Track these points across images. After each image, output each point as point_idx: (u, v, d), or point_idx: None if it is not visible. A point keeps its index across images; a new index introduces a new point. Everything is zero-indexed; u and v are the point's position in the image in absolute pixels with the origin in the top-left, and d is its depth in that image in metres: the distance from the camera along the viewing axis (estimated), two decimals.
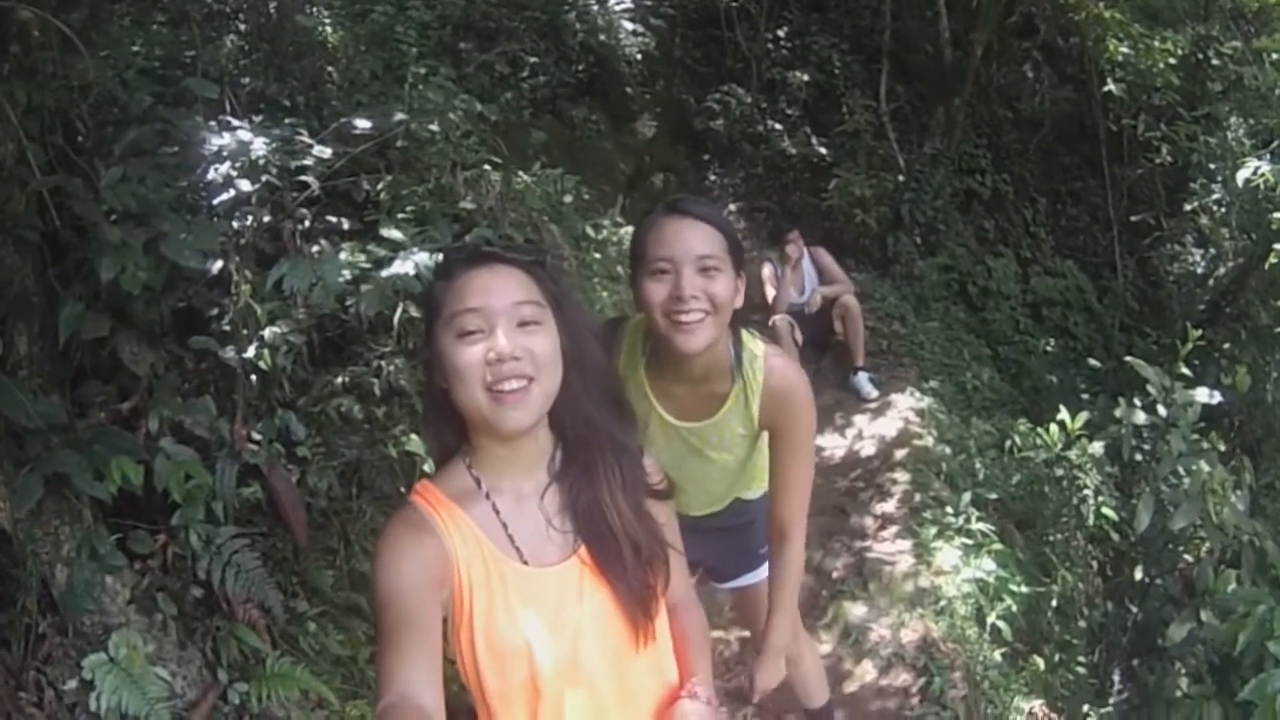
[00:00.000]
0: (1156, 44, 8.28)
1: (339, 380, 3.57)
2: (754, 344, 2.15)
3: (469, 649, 1.48)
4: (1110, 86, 8.58)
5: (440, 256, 3.41)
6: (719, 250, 1.94)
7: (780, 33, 10.11)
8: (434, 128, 4.09)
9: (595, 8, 9.19)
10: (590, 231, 6.61)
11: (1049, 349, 8.42)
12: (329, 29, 6.18)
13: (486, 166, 5.24)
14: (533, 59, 8.38)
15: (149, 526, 2.92)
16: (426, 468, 3.53)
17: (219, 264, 3.34)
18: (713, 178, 9.72)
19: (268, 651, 2.99)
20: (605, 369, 1.65)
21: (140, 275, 2.73)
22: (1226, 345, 7.14)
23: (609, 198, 8.24)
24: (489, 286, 1.47)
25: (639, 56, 9.58)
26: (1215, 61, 8.39)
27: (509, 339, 1.44)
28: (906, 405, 6.49)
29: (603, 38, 9.21)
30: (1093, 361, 7.10)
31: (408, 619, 1.38)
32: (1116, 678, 4.39)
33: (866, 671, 3.95)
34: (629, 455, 1.63)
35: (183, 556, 2.96)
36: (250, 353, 3.26)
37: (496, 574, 1.49)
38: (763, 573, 2.57)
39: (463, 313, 1.46)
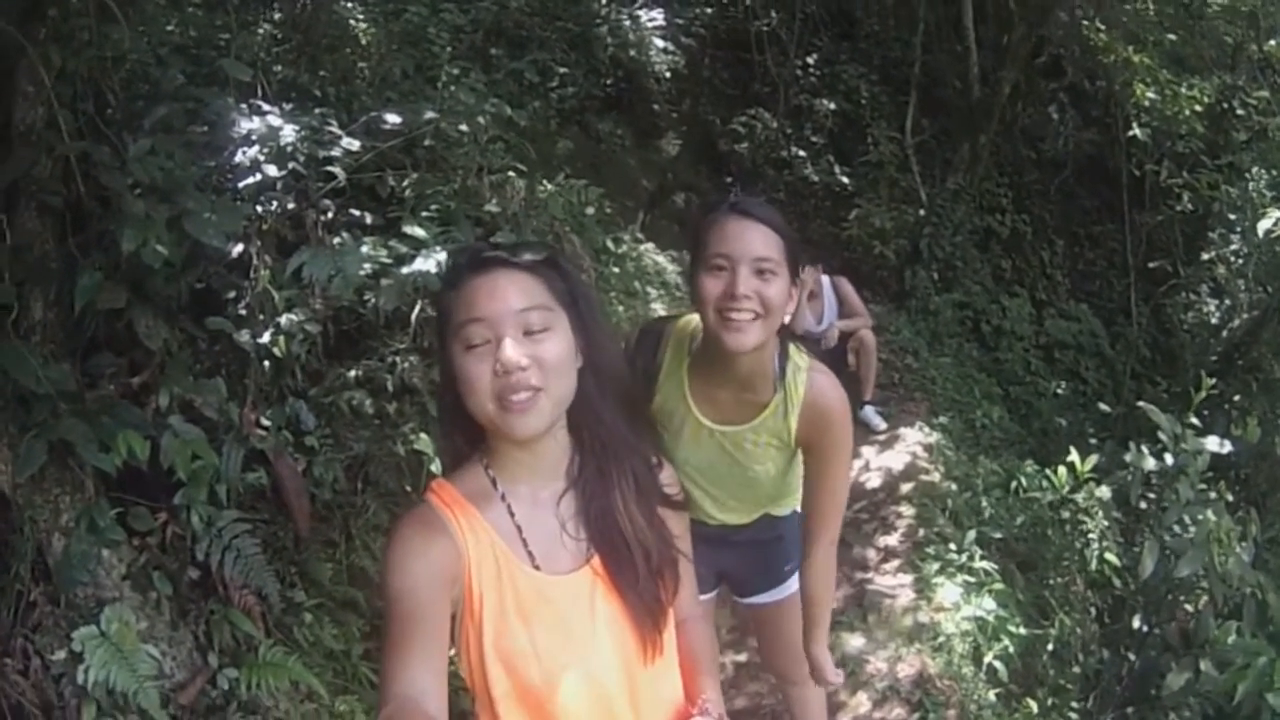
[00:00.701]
0: (1183, 90, 8.28)
1: (352, 373, 3.56)
2: (800, 358, 2.16)
3: (476, 650, 1.46)
4: (1135, 131, 8.59)
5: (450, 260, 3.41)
6: (776, 254, 1.95)
7: (810, 59, 10.16)
8: (463, 128, 4.07)
9: (627, 23, 9.20)
10: (610, 245, 6.59)
11: (1059, 391, 8.39)
12: (362, 25, 6.21)
13: (511, 173, 5.25)
14: (562, 69, 8.40)
15: (150, 504, 2.90)
16: (434, 467, 3.50)
17: (240, 247, 3.34)
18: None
19: (261, 639, 2.96)
20: (622, 370, 1.63)
21: (161, 250, 2.71)
22: (1237, 397, 7.10)
23: (630, 213, 8.24)
24: (492, 294, 1.44)
25: (668, 74, 9.61)
26: (1240, 111, 8.38)
27: (514, 349, 1.40)
28: (915, 439, 6.45)
29: (633, 53, 9.23)
30: (1103, 406, 7.06)
31: (416, 617, 1.37)
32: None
33: (861, 704, 3.91)
34: (643, 461, 1.61)
35: (182, 537, 2.94)
36: (265, 338, 3.25)
37: (508, 577, 1.47)
38: (785, 590, 2.60)
39: (468, 323, 1.43)
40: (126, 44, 3.09)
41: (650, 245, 7.43)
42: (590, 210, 6.48)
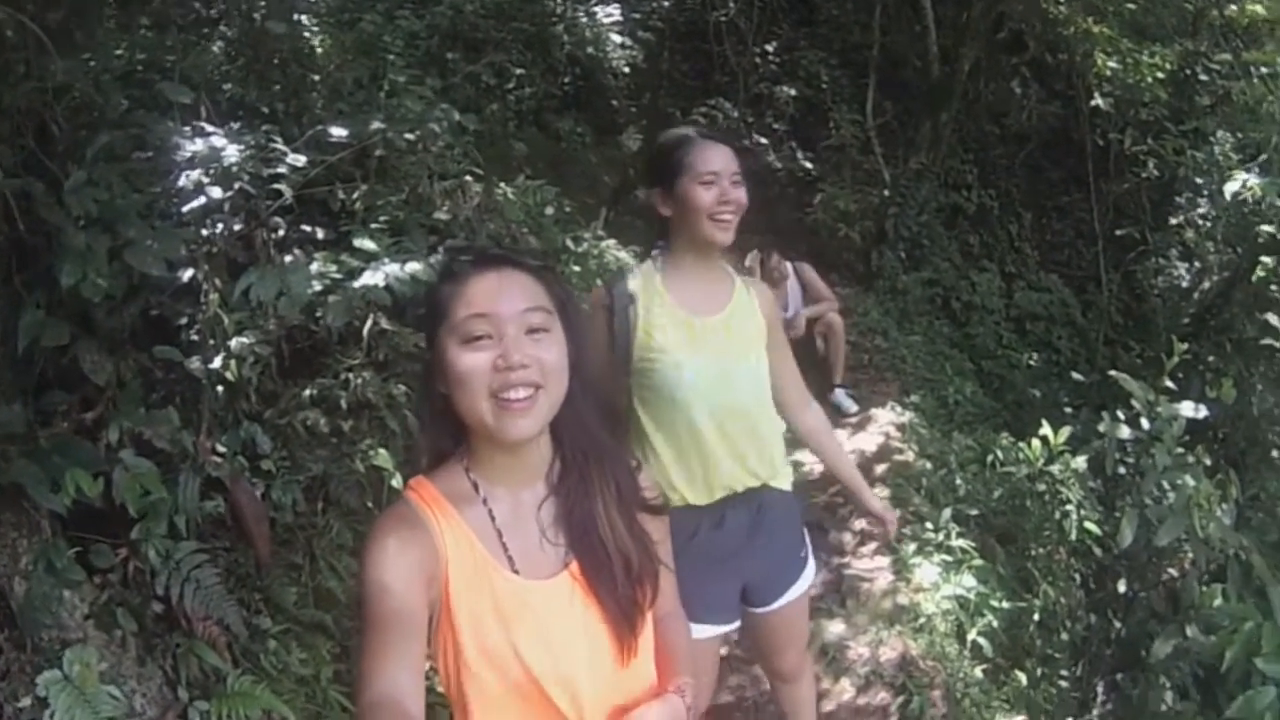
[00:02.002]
0: (1145, 59, 8.28)
1: (307, 393, 3.50)
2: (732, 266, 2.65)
3: (453, 654, 1.45)
4: (1098, 101, 8.59)
5: (428, 260, 3.37)
6: (739, 167, 2.43)
7: (769, 47, 10.13)
8: (410, 137, 4.02)
9: (583, 20, 9.19)
10: (570, 244, 6.57)
11: (1032, 363, 8.40)
12: (316, 37, 6.14)
13: (468, 178, 5.20)
14: (519, 70, 8.36)
15: (110, 540, 2.84)
16: (395, 483, 3.49)
17: (190, 272, 3.29)
18: None
19: (228, 670, 2.91)
20: (605, 379, 1.67)
21: (100, 283, 2.66)
22: (1211, 359, 7.11)
23: (592, 210, 8.21)
24: (498, 291, 1.44)
25: (626, 69, 9.58)
26: (1203, 76, 8.40)
27: (519, 348, 1.41)
28: (887, 420, 6.46)
29: (590, 50, 9.21)
30: (1076, 375, 7.06)
31: (395, 615, 1.35)
32: (1100, 691, 4.35)
33: (844, 690, 3.88)
34: (624, 467, 1.61)
35: (143, 571, 2.88)
36: (217, 363, 3.19)
37: (487, 581, 1.46)
38: (804, 584, 2.70)
39: (470, 318, 1.42)
40: (58, 76, 3.01)
41: (612, 242, 7.40)
42: (549, 210, 6.45)
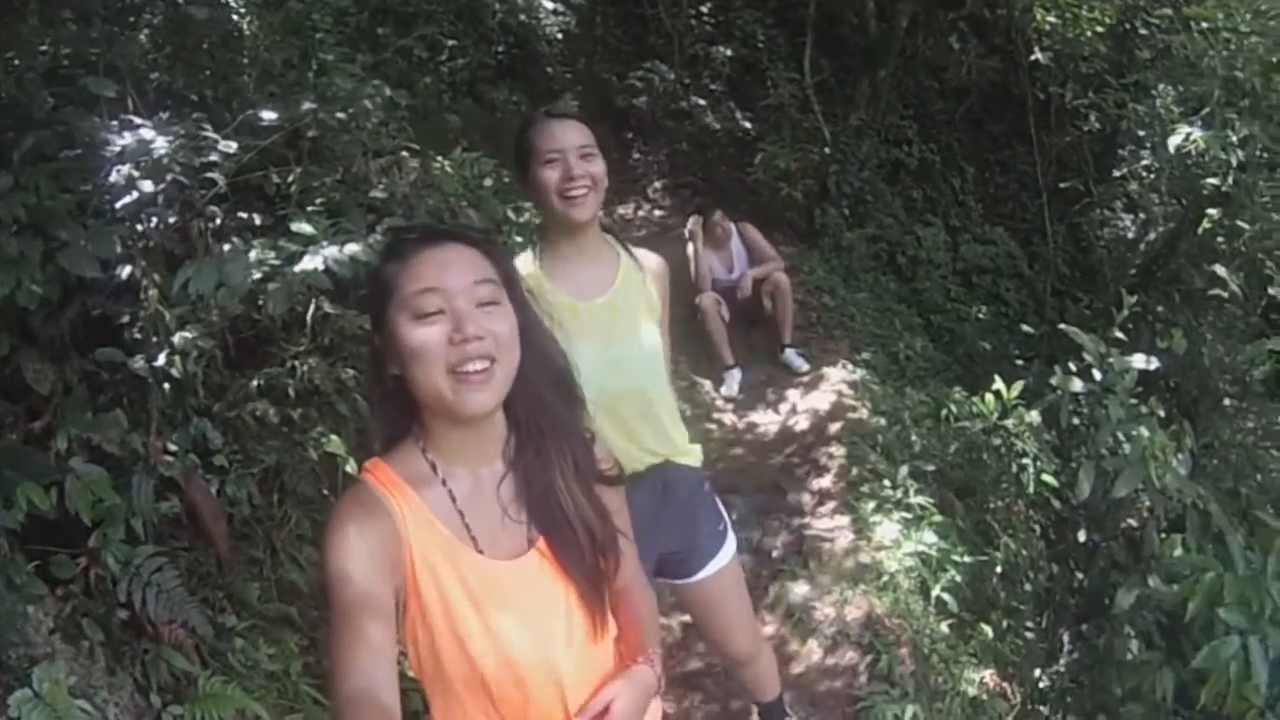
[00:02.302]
0: (1084, 13, 8.31)
1: (254, 383, 3.43)
2: (619, 239, 2.61)
3: (426, 639, 1.44)
4: (1038, 55, 8.61)
5: (367, 241, 3.28)
6: (591, 140, 2.41)
7: (703, 8, 10.02)
8: (341, 115, 3.92)
9: None
10: (511, 215, 6.49)
11: (981, 316, 8.46)
12: (245, 19, 5.96)
13: (404, 153, 5.10)
14: (451, 42, 8.25)
15: (70, 551, 2.79)
16: (349, 468, 3.45)
17: (127, 270, 3.20)
18: (636, 155, 9.58)
19: (198, 672, 2.88)
20: (555, 351, 1.62)
21: (35, 290, 2.60)
22: (1160, 309, 7.21)
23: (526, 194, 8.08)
24: (445, 265, 1.44)
25: (559, 35, 9.48)
26: (1143, 31, 8.44)
27: (473, 320, 1.40)
28: (839, 378, 6.49)
29: (522, 18, 9.10)
30: (1026, 328, 7.14)
31: (361, 604, 1.33)
32: (1065, 640, 4.41)
33: (812, 652, 3.92)
34: (579, 439, 1.61)
35: (105, 579, 2.83)
36: (160, 360, 3.11)
37: (451, 563, 1.44)
38: (726, 555, 2.72)
39: (420, 293, 1.41)
40: None
41: None
42: (488, 182, 6.36)
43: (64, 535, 2.77)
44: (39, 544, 2.73)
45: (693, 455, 2.66)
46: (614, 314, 2.48)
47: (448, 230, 1.53)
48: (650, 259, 2.62)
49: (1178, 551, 3.36)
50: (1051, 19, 8.47)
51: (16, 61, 3.58)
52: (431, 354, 1.40)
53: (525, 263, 2.47)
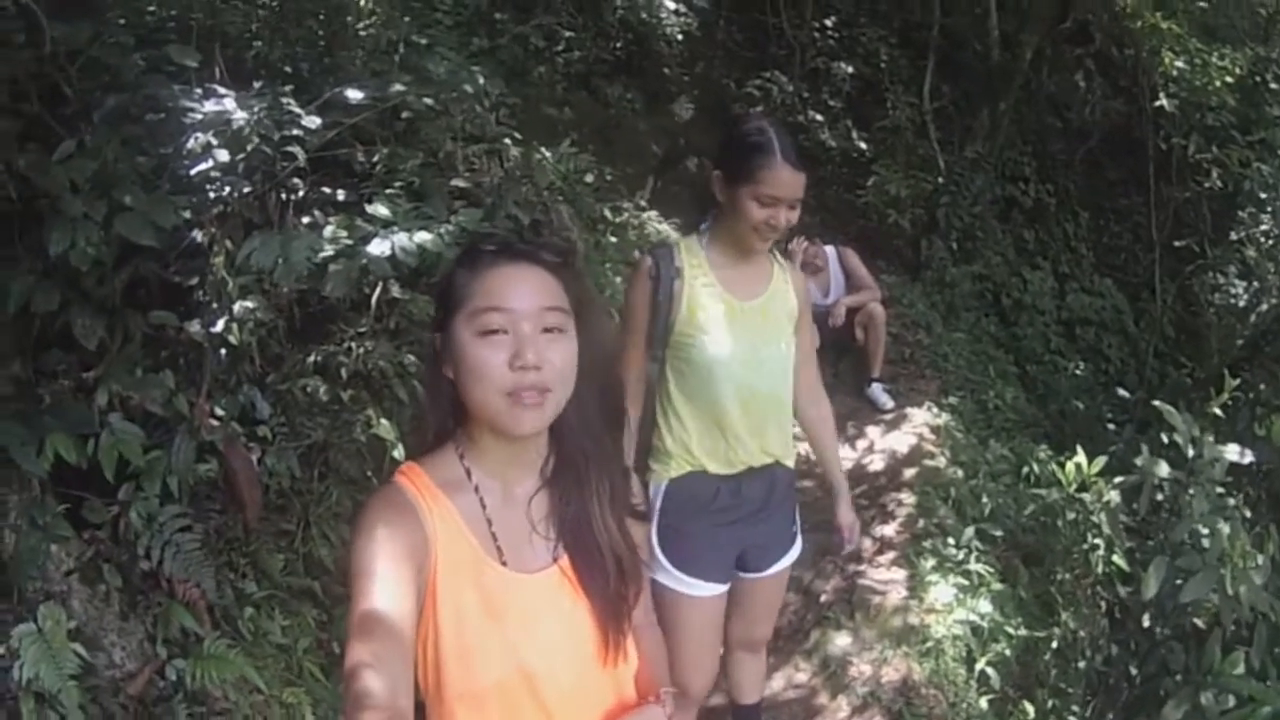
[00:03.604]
0: (1214, 60, 7.92)
1: (310, 359, 3.42)
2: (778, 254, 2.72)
3: (433, 645, 1.42)
4: (1163, 101, 8.24)
5: (438, 231, 3.27)
6: (801, 193, 2.46)
7: (827, 22, 9.83)
8: (429, 100, 3.89)
9: None
10: (608, 214, 6.43)
11: (1079, 371, 8.12)
12: None
13: (507, 141, 5.07)
14: (569, 33, 8.21)
15: (106, 500, 2.83)
16: (397, 453, 3.45)
17: (197, 234, 3.22)
18: None
19: (205, 633, 2.90)
20: (615, 382, 1.67)
21: (89, 251, 2.63)
22: (1263, 387, 6.78)
23: (637, 179, 8.05)
24: (517, 286, 1.43)
25: (680, 37, 9.36)
26: (1274, 85, 8.01)
27: (534, 347, 1.39)
28: (923, 420, 6.25)
29: (643, 15, 9.01)
30: (1122, 391, 6.80)
31: (383, 601, 1.32)
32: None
33: (840, 709, 3.73)
34: (619, 470, 1.62)
35: (133, 528, 2.86)
36: (219, 327, 3.13)
37: (474, 571, 1.44)
38: (792, 555, 2.83)
39: (487, 310, 1.41)
40: (56, 41, 2.95)
41: (654, 213, 7.24)
42: (589, 178, 6.31)
43: (102, 482, 2.82)
44: (77, 488, 2.79)
45: (792, 459, 2.77)
46: (764, 318, 2.57)
47: (525, 249, 1.48)
48: (792, 270, 2.72)
49: (1239, 669, 3.10)
50: (1179, 64, 8.10)
51: (122, 21, 3.62)
52: (489, 374, 1.39)
53: (690, 252, 2.57)
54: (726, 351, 2.51)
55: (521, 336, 1.39)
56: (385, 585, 1.33)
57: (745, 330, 2.53)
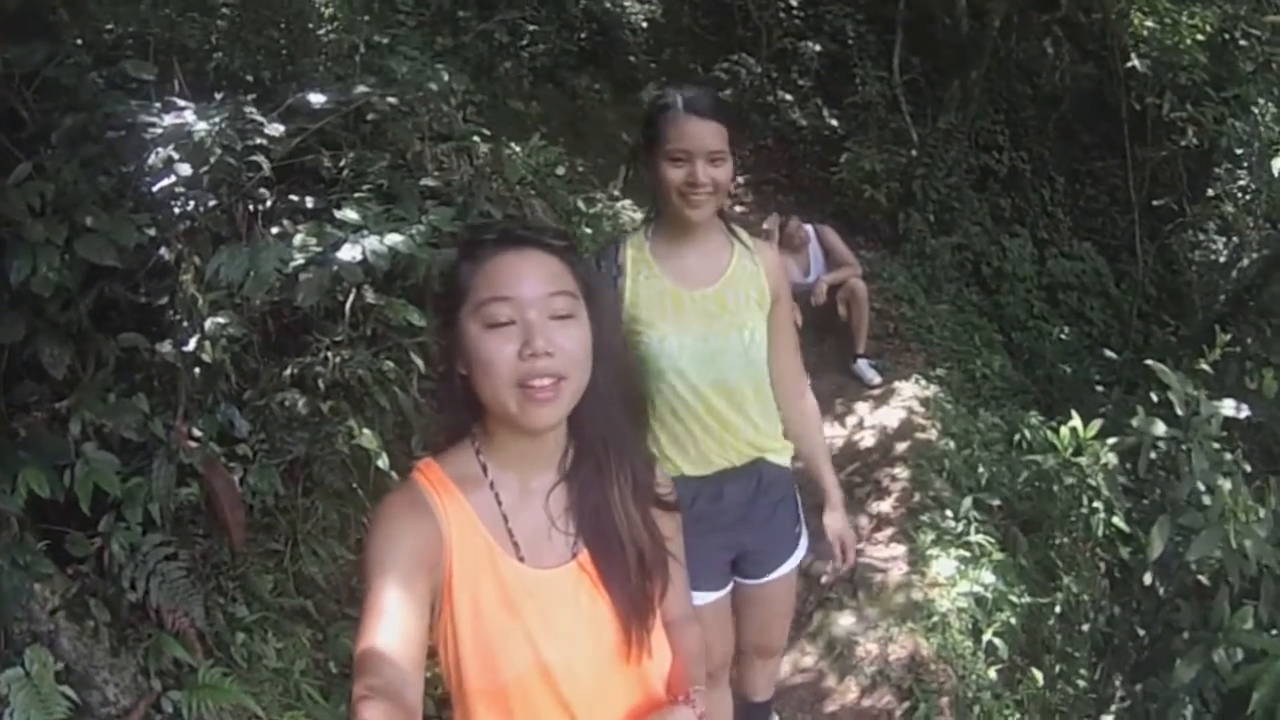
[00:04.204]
0: (1184, 19, 7.89)
1: (286, 372, 3.35)
2: (737, 228, 2.52)
3: (453, 642, 1.41)
4: (1134, 62, 8.21)
5: (410, 232, 3.22)
6: (724, 144, 2.29)
7: (793, 1, 9.80)
8: (393, 100, 3.82)
9: None
10: (582, 205, 6.37)
11: (1064, 336, 8.10)
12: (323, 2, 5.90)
13: (476, 139, 5.01)
14: (532, 27, 8.15)
15: (86, 531, 2.77)
16: (381, 463, 3.38)
17: (166, 252, 3.15)
18: None
19: (196, 663, 2.85)
20: (629, 367, 1.61)
21: (50, 276, 2.58)
22: (1250, 341, 6.76)
23: (609, 169, 7.99)
24: (521, 273, 1.39)
25: (644, 24, 9.32)
26: (1243, 42, 7.98)
27: (543, 334, 1.36)
28: (911, 393, 6.21)
29: (607, 4, 8.97)
30: (1108, 353, 6.78)
31: (397, 597, 1.31)
32: (1118, 685, 4.15)
33: (849, 690, 3.70)
34: (641, 460, 1.57)
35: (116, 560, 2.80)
36: (191, 345, 3.05)
37: (490, 568, 1.42)
38: (795, 559, 2.67)
39: (492, 301, 1.37)
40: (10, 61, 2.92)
41: (628, 202, 7.19)
42: (560, 170, 6.25)
43: (83, 514, 2.75)
44: (58, 523, 2.73)
45: (785, 454, 2.59)
46: (720, 306, 2.39)
47: (527, 235, 1.44)
48: (766, 251, 2.53)
49: (1249, 624, 3.06)
50: (1150, 24, 8.04)
51: (79, 40, 3.55)
52: (499, 367, 1.36)
53: (635, 246, 2.43)
54: (673, 345, 2.35)
55: (530, 325, 1.36)
56: (397, 584, 1.31)
57: (695, 321, 2.37)
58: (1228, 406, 3.45)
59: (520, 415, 1.37)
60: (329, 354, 3.41)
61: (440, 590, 1.39)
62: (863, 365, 6.54)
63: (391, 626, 1.28)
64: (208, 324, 3.09)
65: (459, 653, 1.40)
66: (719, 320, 2.38)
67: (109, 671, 2.71)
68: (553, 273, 1.41)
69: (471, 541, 1.41)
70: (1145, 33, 8.17)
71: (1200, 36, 7.94)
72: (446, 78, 4.02)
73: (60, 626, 2.66)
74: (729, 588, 2.62)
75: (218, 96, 3.51)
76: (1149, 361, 3.66)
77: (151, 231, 3.01)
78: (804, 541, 2.70)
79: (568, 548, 1.48)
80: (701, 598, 2.44)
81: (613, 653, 1.47)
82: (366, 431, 3.40)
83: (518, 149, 5.82)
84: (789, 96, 9.42)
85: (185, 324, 3.08)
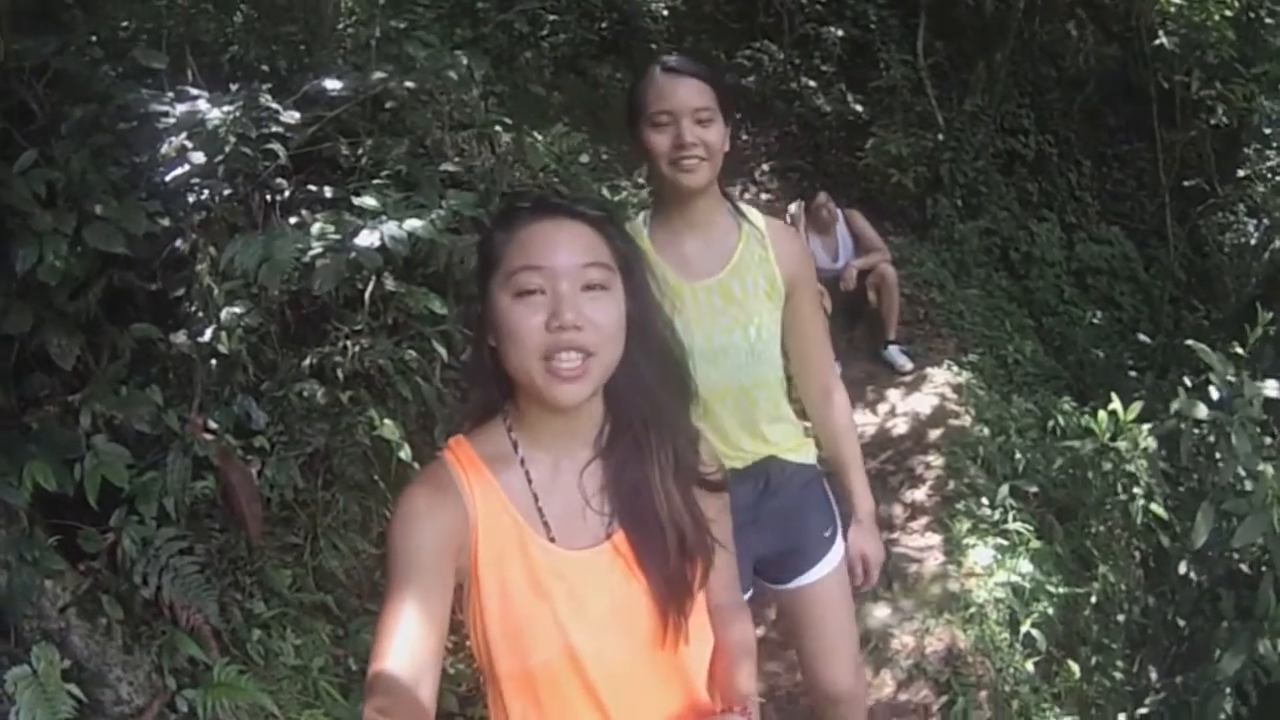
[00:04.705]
0: None
1: (306, 363, 3.30)
2: (749, 209, 2.30)
3: (481, 625, 1.38)
4: (1161, 39, 8.05)
5: (430, 218, 3.15)
6: (711, 102, 2.11)
7: None
8: (410, 85, 3.76)
9: None
10: (607, 193, 6.31)
11: (1095, 320, 7.99)
12: None
13: (498, 128, 4.96)
14: (552, 17, 8.09)
15: (99, 526, 2.71)
16: (403, 454, 3.33)
17: (182, 243, 3.11)
18: (744, 137, 9.23)
19: (212, 660, 2.79)
20: (670, 341, 1.50)
21: (57, 265, 2.53)
22: None
23: (633, 158, 7.91)
24: (555, 242, 1.35)
25: (665, 12, 9.23)
26: (1269, 20, 7.81)
27: (573, 306, 1.32)
28: (943, 380, 6.14)
29: None
30: (1142, 337, 6.67)
31: (418, 583, 1.29)
32: (1154, 676, 4.05)
33: (885, 684, 3.61)
34: (685, 437, 1.50)
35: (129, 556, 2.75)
36: (207, 336, 3.01)
37: (519, 549, 1.38)
38: (830, 564, 2.40)
39: (523, 269, 1.34)
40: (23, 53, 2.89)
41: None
42: (584, 158, 6.19)
43: (95, 510, 2.70)
44: (70, 518, 2.68)
45: (803, 451, 2.38)
46: (724, 298, 2.21)
47: (563, 204, 1.41)
48: (782, 234, 2.31)
49: None
50: (1176, 0, 7.86)
51: (94, 37, 3.52)
52: (525, 337, 1.32)
53: (632, 230, 2.19)
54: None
55: (560, 295, 1.32)
56: (421, 567, 1.30)
57: (698, 318, 2.19)
58: (1270, 387, 3.32)
59: (545, 390, 1.33)
60: (348, 343, 3.36)
61: (466, 571, 1.37)
62: (894, 351, 6.47)
63: (411, 616, 1.26)
64: (224, 314, 3.04)
65: (488, 636, 1.38)
66: (724, 315, 2.21)
67: (122, 669, 2.67)
68: (588, 243, 1.37)
69: (500, 522, 1.38)
70: (1171, 9, 8.00)
71: (1228, 13, 7.77)
72: (465, 63, 3.93)
73: (71, 624, 2.62)
74: (747, 594, 2.34)
75: (233, 88, 3.47)
76: (1190, 342, 3.54)
77: (165, 221, 2.97)
78: (838, 546, 2.43)
79: (602, 528, 1.43)
80: None
81: (647, 638, 1.42)
82: (388, 422, 3.34)
83: (540, 137, 5.77)
84: (812, 83, 9.28)
85: (201, 315, 3.04)
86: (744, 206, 2.30)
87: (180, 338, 2.97)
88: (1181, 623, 3.65)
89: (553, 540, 1.40)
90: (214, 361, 3.09)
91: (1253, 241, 9.24)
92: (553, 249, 1.34)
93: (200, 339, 3.00)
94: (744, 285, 2.22)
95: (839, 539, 2.43)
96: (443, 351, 3.56)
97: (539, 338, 1.32)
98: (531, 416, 1.42)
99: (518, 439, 1.43)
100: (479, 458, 1.41)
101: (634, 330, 1.40)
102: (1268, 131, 8.31)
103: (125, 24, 3.99)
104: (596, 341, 1.33)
